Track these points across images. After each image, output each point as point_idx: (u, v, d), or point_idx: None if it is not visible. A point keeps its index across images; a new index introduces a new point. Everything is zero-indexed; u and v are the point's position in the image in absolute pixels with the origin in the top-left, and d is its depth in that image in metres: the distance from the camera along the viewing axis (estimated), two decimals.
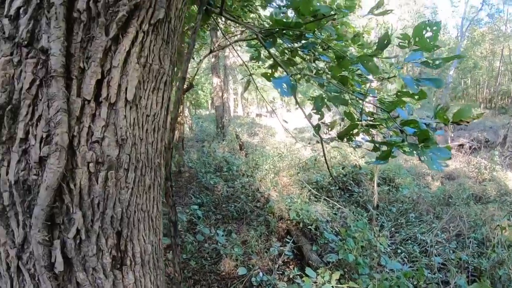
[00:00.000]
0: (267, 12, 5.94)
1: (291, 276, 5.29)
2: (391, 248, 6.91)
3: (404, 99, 2.37)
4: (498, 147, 19.43)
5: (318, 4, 2.57)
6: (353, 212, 8.49)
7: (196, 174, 10.52)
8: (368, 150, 3.04)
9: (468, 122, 1.87)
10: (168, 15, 1.21)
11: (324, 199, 8.97)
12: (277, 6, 3.21)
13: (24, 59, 0.95)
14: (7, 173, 0.94)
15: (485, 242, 7.17)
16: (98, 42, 1.02)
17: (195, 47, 11.44)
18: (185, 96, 19.43)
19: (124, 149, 1.10)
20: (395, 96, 2.43)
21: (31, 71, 0.95)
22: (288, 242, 6.44)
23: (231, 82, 25.95)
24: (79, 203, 1.01)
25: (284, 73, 2.62)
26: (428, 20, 2.11)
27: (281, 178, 10.81)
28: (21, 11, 0.94)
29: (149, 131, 1.21)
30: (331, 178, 10.74)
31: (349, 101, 2.64)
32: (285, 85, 2.02)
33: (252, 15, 4.11)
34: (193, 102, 24.24)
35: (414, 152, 1.88)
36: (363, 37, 3.33)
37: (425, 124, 1.98)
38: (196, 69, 14.23)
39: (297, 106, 2.86)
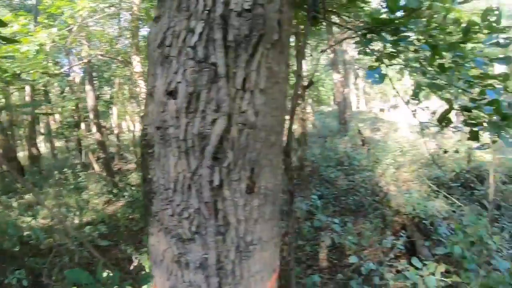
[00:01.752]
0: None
1: (399, 268, 5.53)
2: (509, 252, 6.62)
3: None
4: None
5: None
6: (472, 211, 8.25)
7: (318, 168, 11.04)
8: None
9: None
10: (281, 36, 1.86)
11: (444, 196, 8.87)
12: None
13: (202, 69, 1.67)
14: (192, 128, 1.66)
15: None
16: (242, 57, 1.71)
17: (313, 44, 11.94)
18: (306, 93, 20.01)
19: (258, 118, 1.77)
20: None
21: (207, 75, 1.66)
22: (402, 236, 6.65)
23: (352, 76, 25.74)
24: (231, 147, 1.70)
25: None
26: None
27: (401, 173, 10.84)
28: (197, 43, 1.66)
29: (273, 108, 1.87)
30: (453, 174, 10.47)
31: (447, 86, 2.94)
32: (376, 75, 2.57)
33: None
34: (315, 99, 24.72)
35: (493, 129, 2.21)
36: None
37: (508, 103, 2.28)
38: (315, 66, 14.74)
39: (397, 93, 3.22)
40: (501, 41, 2.66)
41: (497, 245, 5.51)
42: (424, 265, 4.82)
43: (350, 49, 19.01)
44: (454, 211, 8.11)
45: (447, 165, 11.06)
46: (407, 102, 3.35)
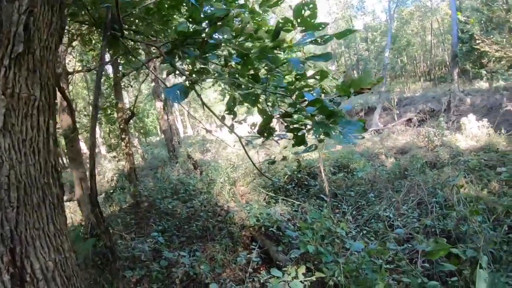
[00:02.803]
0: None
1: (262, 281, 5.21)
2: (356, 230, 6.98)
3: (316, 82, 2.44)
4: (443, 113, 20.02)
5: (213, 8, 2.60)
6: (313, 205, 8.57)
7: (154, 201, 10.31)
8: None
9: (369, 89, 1.92)
10: (31, 48, 1.27)
11: (283, 199, 9.03)
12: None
13: None
14: None
15: (448, 204, 7.27)
16: None
17: (133, 74, 11.28)
18: (132, 125, 19.07)
19: (1, 172, 1.18)
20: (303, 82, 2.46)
21: None
22: (254, 248, 6.39)
23: (176, 103, 25.57)
24: None
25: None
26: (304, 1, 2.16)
27: (238, 188, 10.83)
28: None
29: (28, 154, 1.27)
30: (286, 177, 10.85)
31: (261, 96, 2.65)
32: (178, 91, 2.07)
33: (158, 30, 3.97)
34: (141, 130, 23.84)
35: (321, 129, 1.90)
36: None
37: (329, 100, 2.01)
38: (135, 97, 14.05)
39: (205, 108, 2.91)
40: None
41: (345, 230, 5.62)
42: (283, 271, 4.56)
43: (172, 76, 18.92)
44: (296, 211, 8.27)
45: (279, 170, 11.44)
46: (223, 118, 2.98)
